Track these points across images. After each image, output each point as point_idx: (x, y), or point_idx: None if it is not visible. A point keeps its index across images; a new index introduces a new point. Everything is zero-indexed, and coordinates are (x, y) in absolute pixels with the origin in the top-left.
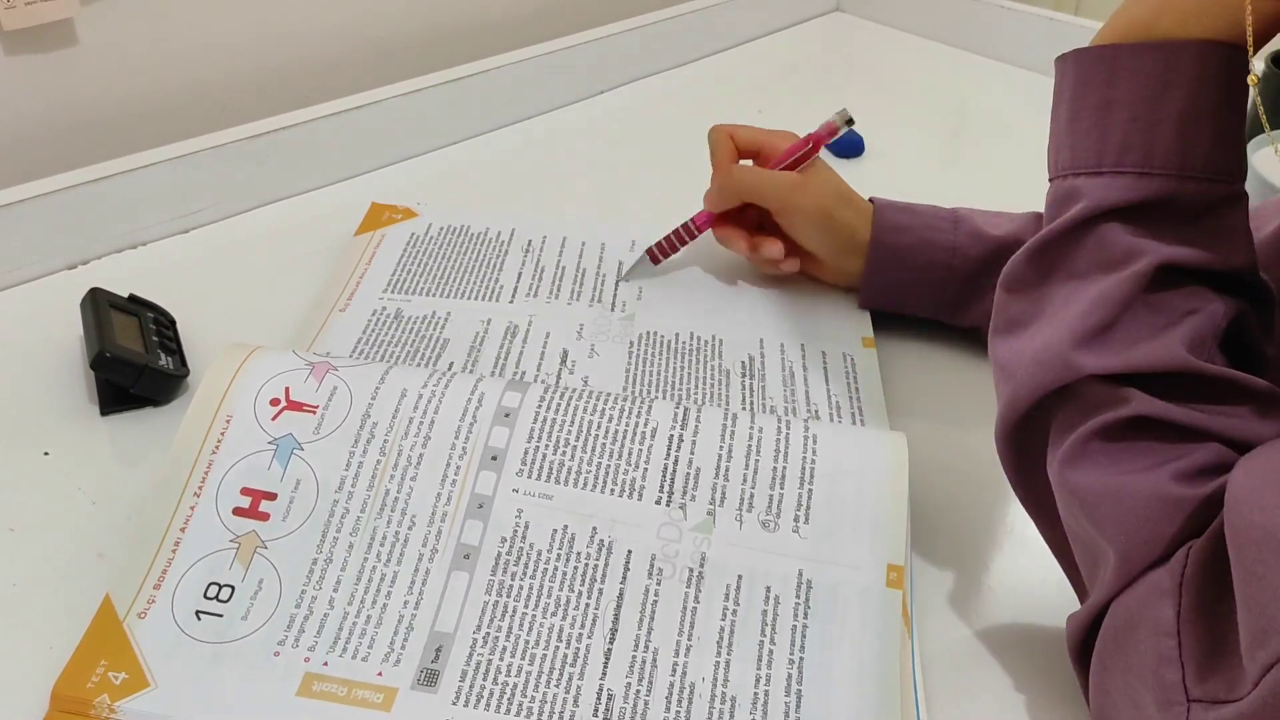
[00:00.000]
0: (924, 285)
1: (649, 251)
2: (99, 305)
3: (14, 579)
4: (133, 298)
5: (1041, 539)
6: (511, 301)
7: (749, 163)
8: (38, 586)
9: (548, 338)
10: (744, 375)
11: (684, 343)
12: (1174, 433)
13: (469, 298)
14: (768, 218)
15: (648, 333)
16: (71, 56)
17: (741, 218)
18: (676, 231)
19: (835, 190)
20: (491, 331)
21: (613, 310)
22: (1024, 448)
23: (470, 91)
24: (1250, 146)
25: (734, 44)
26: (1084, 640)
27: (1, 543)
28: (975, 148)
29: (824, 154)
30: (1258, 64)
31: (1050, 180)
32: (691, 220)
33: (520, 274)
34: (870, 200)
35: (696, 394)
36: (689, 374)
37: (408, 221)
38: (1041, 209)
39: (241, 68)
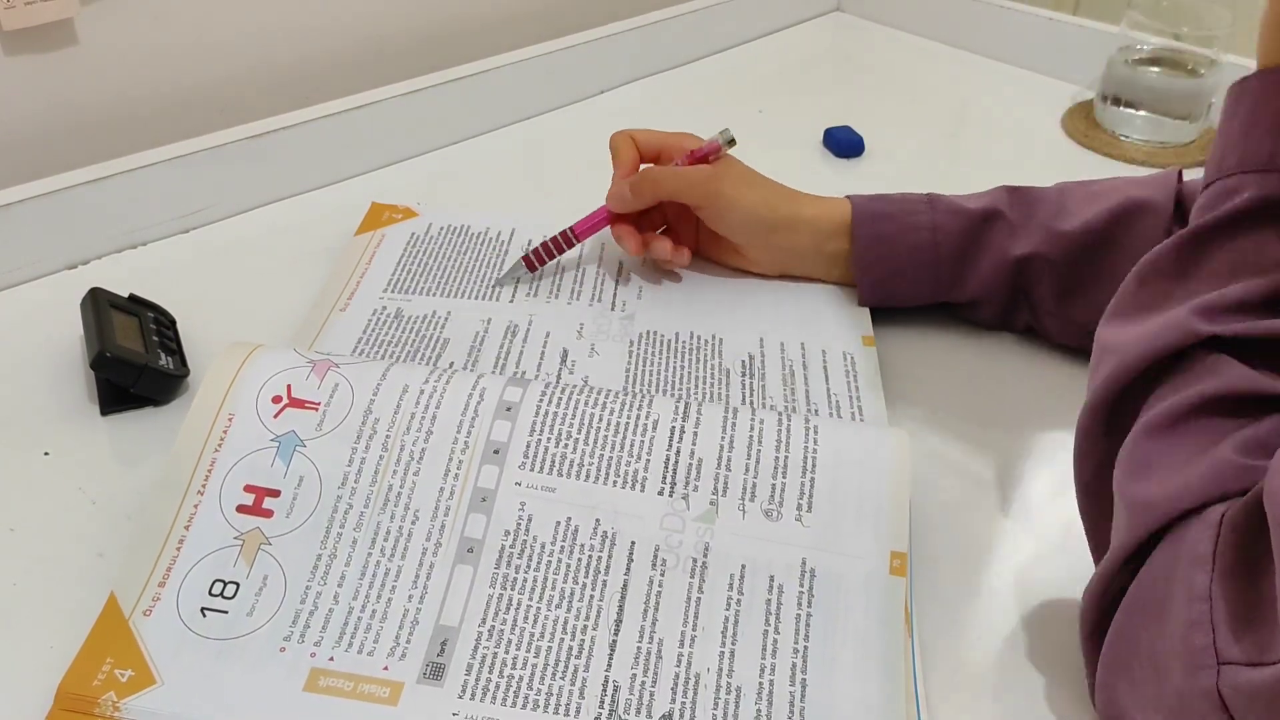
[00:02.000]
0: (915, 269)
1: (524, 259)
2: (99, 305)
3: (14, 579)
4: (133, 298)
5: (1086, 541)
6: (511, 301)
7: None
8: (38, 586)
9: (548, 337)
10: (744, 374)
11: (684, 342)
12: (1258, 407)
13: (469, 297)
14: (678, 217)
15: (647, 332)
16: (71, 56)
17: (640, 220)
18: (555, 239)
19: (748, 176)
20: (492, 331)
21: (612, 310)
22: (1116, 429)
23: (470, 91)
24: None
25: (734, 44)
26: (1102, 611)
27: (1, 543)
28: (975, 148)
29: (824, 154)
30: None
31: (1207, 185)
32: (571, 229)
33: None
34: (846, 198)
35: (696, 393)
36: (689, 373)
37: (408, 221)
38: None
39: (241, 68)
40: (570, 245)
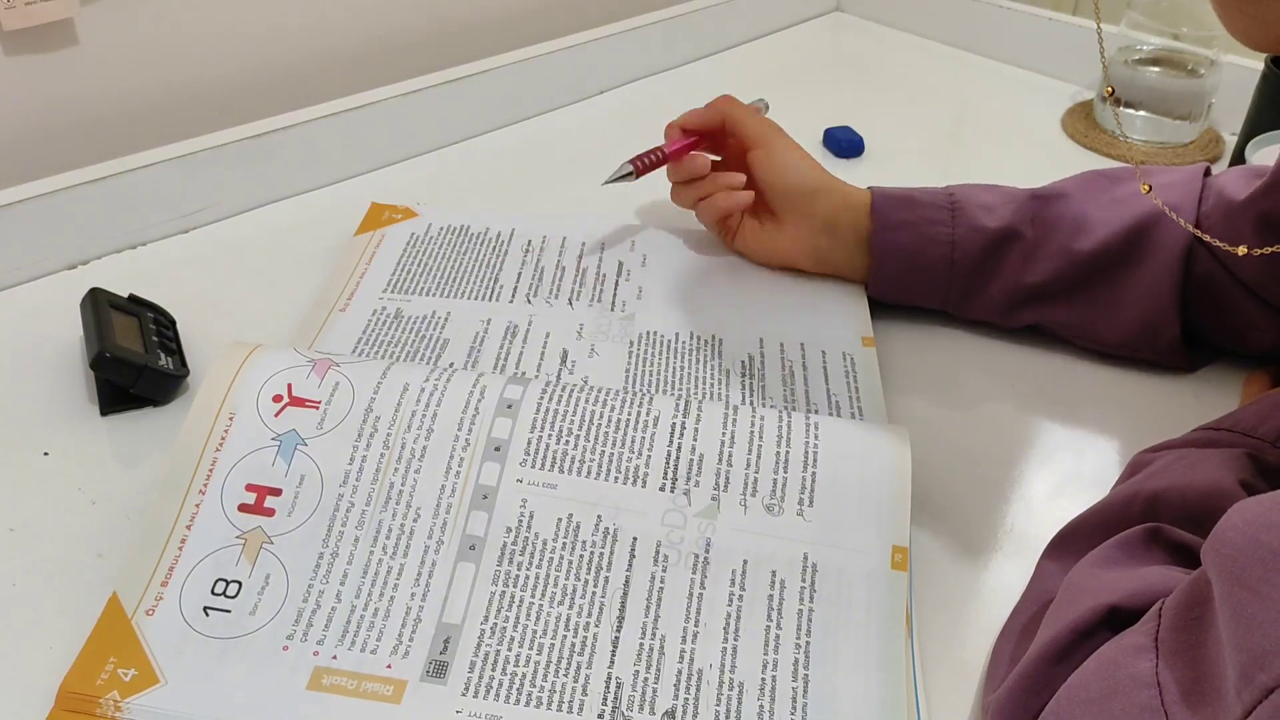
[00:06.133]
0: (928, 282)
1: (633, 161)
2: (99, 305)
3: (14, 579)
4: (133, 298)
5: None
6: (511, 301)
7: None
8: (38, 586)
9: (548, 337)
10: (744, 375)
11: (684, 342)
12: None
13: (469, 298)
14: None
15: (647, 332)
16: (71, 56)
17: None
18: (656, 150)
19: (795, 144)
20: (491, 331)
21: (612, 310)
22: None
23: (469, 91)
24: (1250, 147)
25: (734, 44)
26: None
27: (1, 543)
28: (975, 148)
29: (824, 154)
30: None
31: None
32: (665, 148)
33: (520, 274)
34: (868, 189)
35: (696, 393)
36: (689, 373)
37: (408, 221)
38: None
39: (241, 67)
40: (663, 161)
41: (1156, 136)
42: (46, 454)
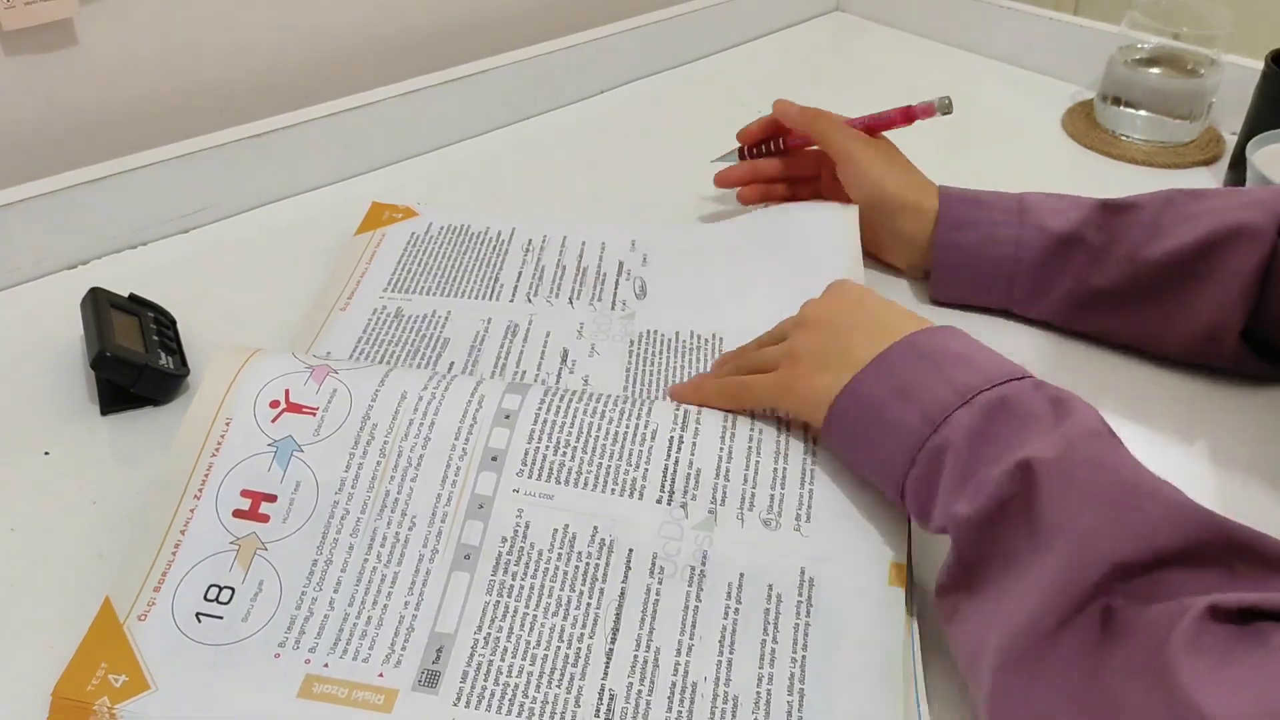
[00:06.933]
0: (991, 281)
1: (739, 151)
2: (99, 305)
3: (14, 579)
4: (133, 298)
5: None
6: (512, 300)
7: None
8: (37, 587)
9: (548, 337)
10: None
11: (684, 341)
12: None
13: (469, 297)
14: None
15: (647, 331)
16: (71, 56)
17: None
18: (773, 141)
19: (889, 155)
20: (492, 330)
21: (613, 309)
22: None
23: (470, 91)
24: (1250, 146)
25: (734, 44)
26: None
27: (1, 543)
28: (975, 148)
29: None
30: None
31: None
32: (778, 139)
33: (521, 273)
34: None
35: None
36: (689, 372)
37: (408, 221)
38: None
39: (241, 68)
40: (780, 150)
41: (1156, 136)
42: (47, 454)
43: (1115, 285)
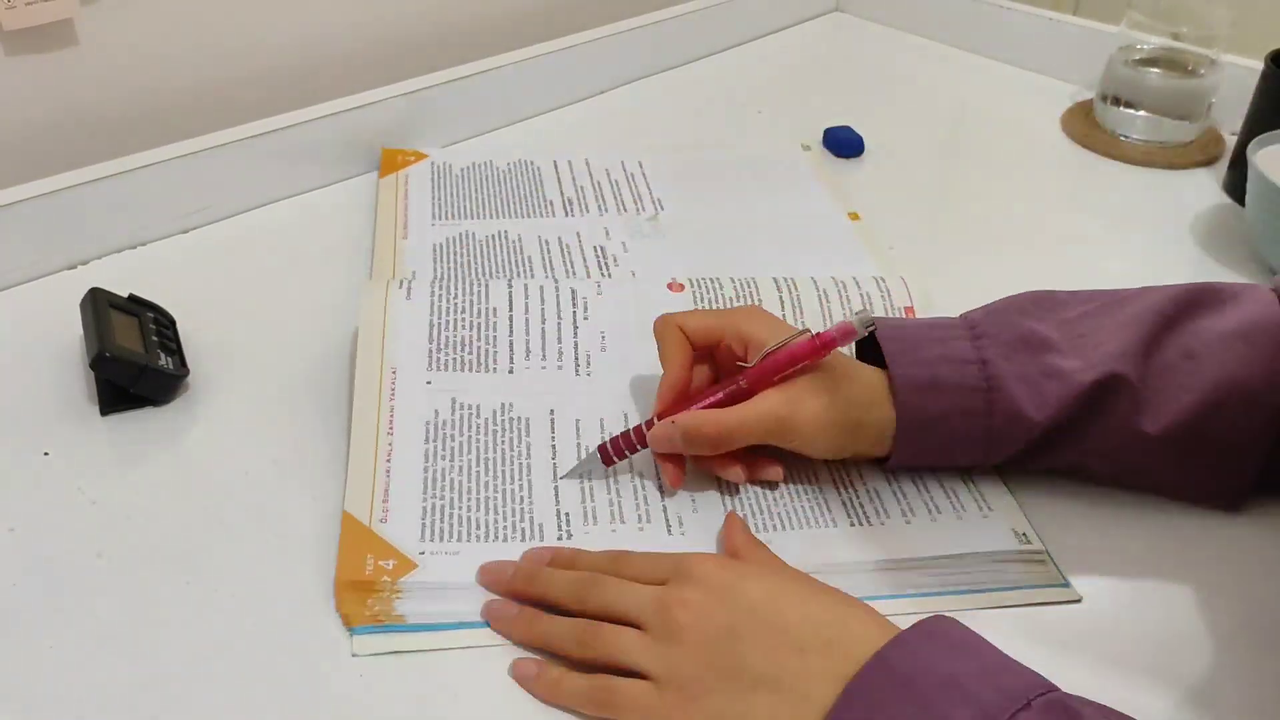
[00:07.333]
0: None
1: (600, 449)
2: (99, 305)
3: (14, 579)
4: (133, 298)
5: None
6: (569, 216)
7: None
8: (38, 586)
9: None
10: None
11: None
12: None
13: (516, 217)
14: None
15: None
16: (71, 56)
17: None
18: (633, 432)
19: (823, 385)
20: (552, 243)
21: (640, 214)
22: None
23: (471, 91)
24: (1251, 147)
25: (734, 44)
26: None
27: (1, 543)
28: (975, 148)
29: (824, 154)
30: (1247, 63)
31: None
32: (645, 424)
33: (561, 192)
34: (886, 371)
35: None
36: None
37: (420, 163)
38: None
39: (241, 68)
40: (644, 446)
41: (1156, 137)
42: (46, 454)
43: (1116, 472)
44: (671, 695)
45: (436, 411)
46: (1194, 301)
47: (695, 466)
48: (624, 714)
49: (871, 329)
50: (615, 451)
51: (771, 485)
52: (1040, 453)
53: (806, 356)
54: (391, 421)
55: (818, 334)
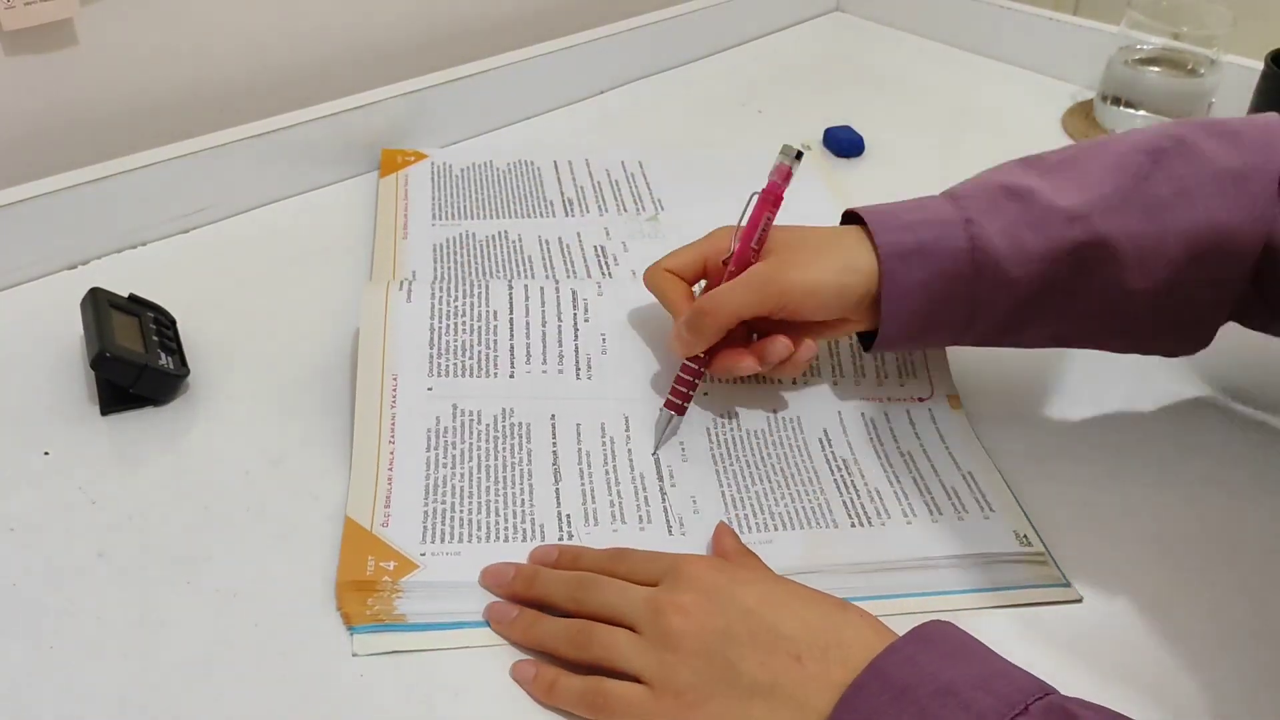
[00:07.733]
0: (950, 337)
1: (666, 405)
2: (99, 305)
3: (14, 579)
4: (133, 298)
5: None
6: (569, 216)
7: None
8: (38, 586)
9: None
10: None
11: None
12: None
13: (522, 216)
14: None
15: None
16: (71, 56)
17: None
18: (676, 379)
19: (801, 242)
20: (552, 243)
21: (639, 214)
22: None
23: (470, 91)
24: None
25: (734, 44)
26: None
27: (1, 543)
28: (975, 148)
29: (824, 154)
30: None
31: None
32: (682, 370)
33: (561, 192)
34: (865, 228)
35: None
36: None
37: (420, 163)
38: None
39: (241, 68)
40: (699, 379)
41: None
42: (46, 454)
43: (1094, 329)
44: (667, 701)
45: (438, 418)
46: (1184, 137)
47: (713, 374)
48: (617, 717)
49: (800, 156)
50: (679, 398)
51: (791, 382)
52: (1024, 320)
53: (764, 209)
54: (393, 429)
55: (765, 191)
